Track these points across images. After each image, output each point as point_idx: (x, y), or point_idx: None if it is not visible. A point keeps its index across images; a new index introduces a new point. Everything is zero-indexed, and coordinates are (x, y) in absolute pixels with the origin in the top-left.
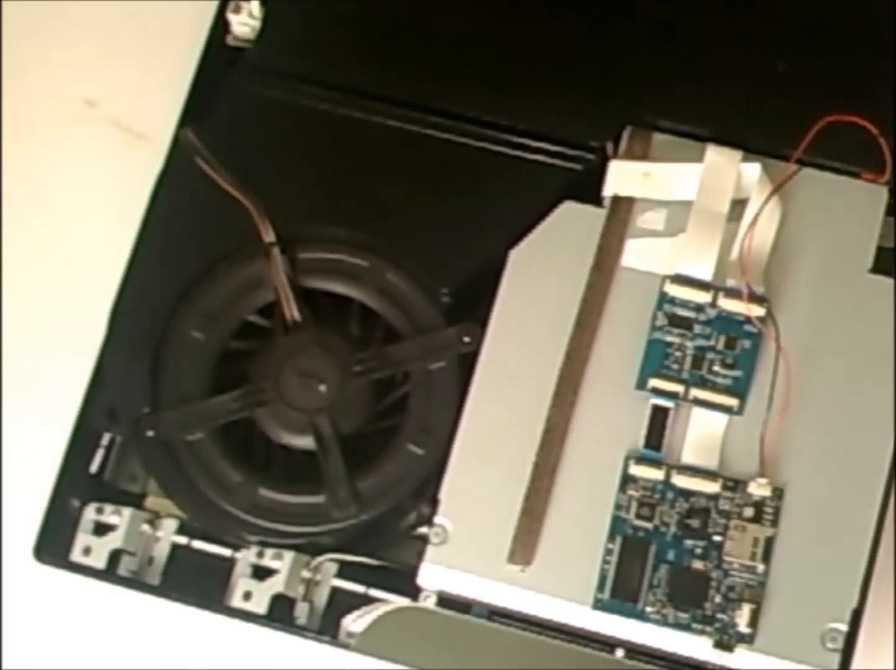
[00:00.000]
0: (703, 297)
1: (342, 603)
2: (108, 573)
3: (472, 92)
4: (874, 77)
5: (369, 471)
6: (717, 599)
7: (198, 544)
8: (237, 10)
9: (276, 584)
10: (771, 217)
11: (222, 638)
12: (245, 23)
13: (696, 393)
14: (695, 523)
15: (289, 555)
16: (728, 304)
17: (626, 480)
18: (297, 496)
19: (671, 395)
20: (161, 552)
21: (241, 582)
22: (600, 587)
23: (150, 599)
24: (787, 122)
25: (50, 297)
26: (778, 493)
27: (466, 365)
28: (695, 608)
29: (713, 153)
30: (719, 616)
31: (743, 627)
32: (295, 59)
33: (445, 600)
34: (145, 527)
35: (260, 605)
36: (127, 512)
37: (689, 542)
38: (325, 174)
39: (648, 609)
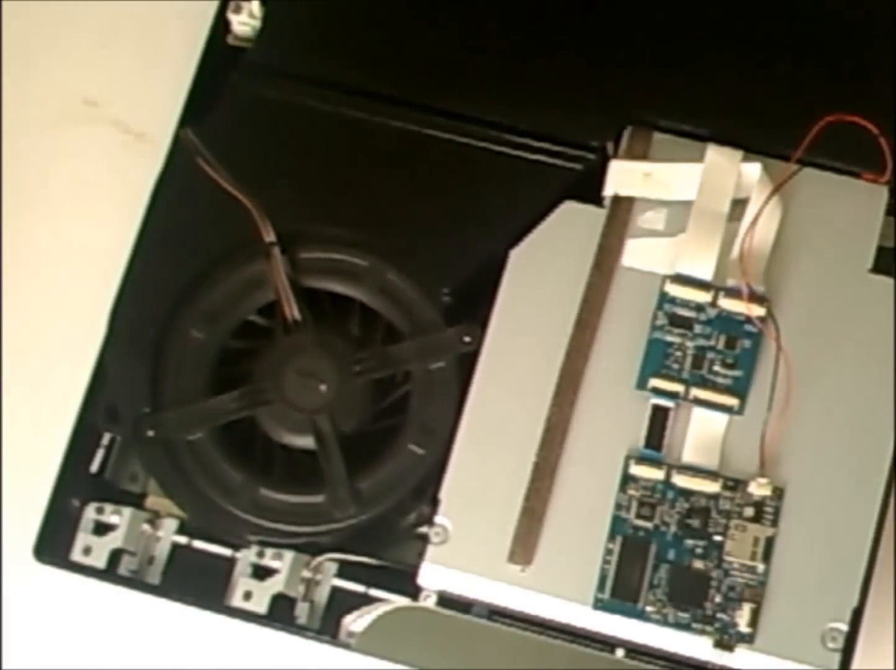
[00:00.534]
0: (703, 297)
1: (342, 603)
2: (109, 573)
3: (472, 92)
4: (874, 77)
5: (370, 470)
6: (718, 599)
7: (198, 544)
8: (237, 10)
9: (276, 584)
10: (771, 217)
11: (222, 638)
12: (245, 22)
13: (696, 392)
14: (695, 523)
15: (289, 555)
16: (728, 304)
17: (627, 480)
18: (298, 496)
19: (671, 395)
20: (161, 552)
21: (242, 582)
22: (600, 587)
23: (150, 599)
24: (788, 121)
25: (50, 297)
26: (778, 493)
27: (467, 365)
28: (695, 608)
29: (713, 153)
30: (719, 615)
31: (743, 627)
32: (295, 59)
33: (446, 600)
34: (145, 527)
35: (260, 605)
36: (127, 511)
37: (689, 542)
38: (325, 174)
39: (649, 608)
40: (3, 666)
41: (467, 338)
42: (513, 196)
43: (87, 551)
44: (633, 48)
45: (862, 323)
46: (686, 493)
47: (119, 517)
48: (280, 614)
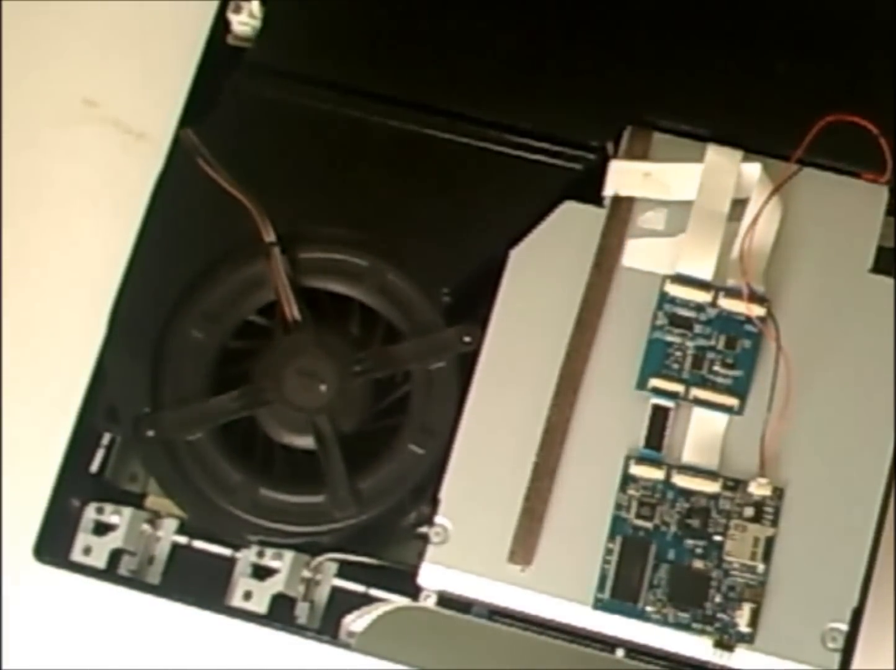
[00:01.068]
0: (703, 297)
1: (342, 603)
2: (109, 573)
3: (472, 92)
4: (874, 77)
5: (369, 470)
6: (718, 599)
7: (198, 544)
8: (237, 10)
9: (276, 584)
10: (771, 217)
11: (222, 638)
12: (245, 22)
13: (696, 392)
14: (695, 523)
15: (289, 555)
16: (728, 304)
17: (627, 480)
18: (298, 496)
19: (671, 395)
20: (161, 551)
21: (242, 582)
22: (600, 587)
23: (150, 599)
24: (788, 121)
25: (50, 297)
26: (778, 493)
27: (467, 365)
28: (695, 607)
29: (713, 153)
30: (720, 615)
31: (743, 627)
32: (295, 59)
33: (446, 600)
34: (145, 527)
35: (260, 605)
36: (127, 511)
37: (689, 542)
38: (325, 174)
39: (649, 608)
40: (3, 667)
41: (467, 338)
42: (513, 196)
43: (87, 551)
44: (633, 48)
45: (862, 323)
46: (686, 493)
47: (119, 517)
48: (280, 614)
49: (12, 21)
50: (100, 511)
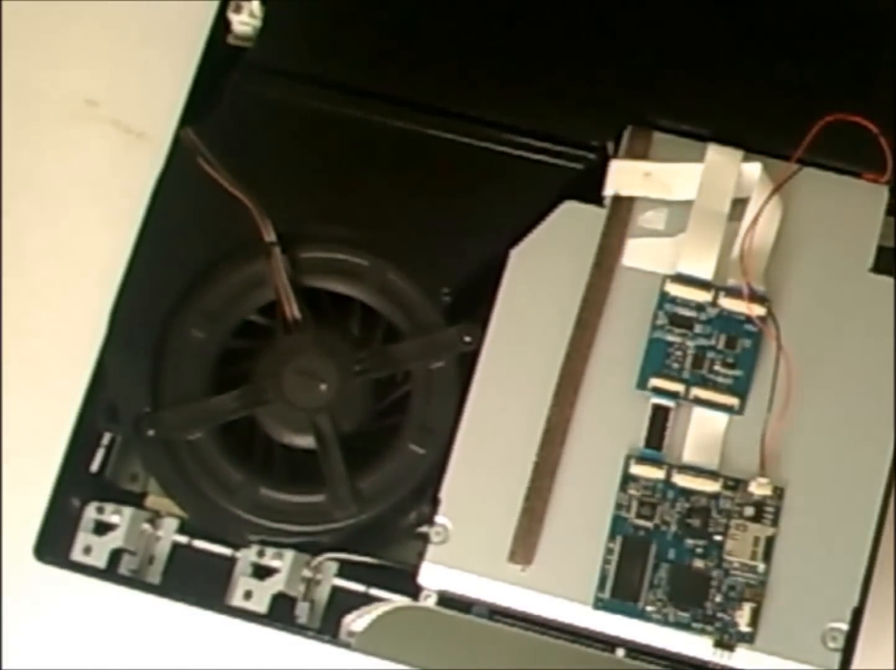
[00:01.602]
0: (703, 297)
1: (343, 603)
2: (109, 572)
3: (472, 91)
4: (874, 77)
5: (370, 470)
6: (718, 598)
7: (198, 543)
8: (238, 10)
9: (276, 583)
10: (772, 216)
11: (222, 637)
12: (246, 22)
13: (696, 392)
14: (695, 522)
15: (289, 554)
16: (729, 304)
17: (627, 479)
18: (298, 495)
19: (672, 395)
20: (162, 551)
21: (242, 582)
22: (601, 586)
23: (150, 599)
24: (788, 121)
25: (50, 297)
26: (778, 493)
27: (467, 364)
28: (695, 607)
29: (714, 152)
30: (720, 615)
31: (743, 626)
32: (296, 59)
33: (446, 599)
34: (146, 527)
35: (260, 604)
36: (127, 511)
37: (689, 542)
38: (326, 174)
39: (649, 608)
40: (3, 667)
41: (467, 338)
42: (513, 196)
43: (87, 551)
44: (633, 48)
45: (862, 323)
46: (686, 493)
47: (119, 516)
48: (280, 614)
49: (12, 21)
50: (100, 510)
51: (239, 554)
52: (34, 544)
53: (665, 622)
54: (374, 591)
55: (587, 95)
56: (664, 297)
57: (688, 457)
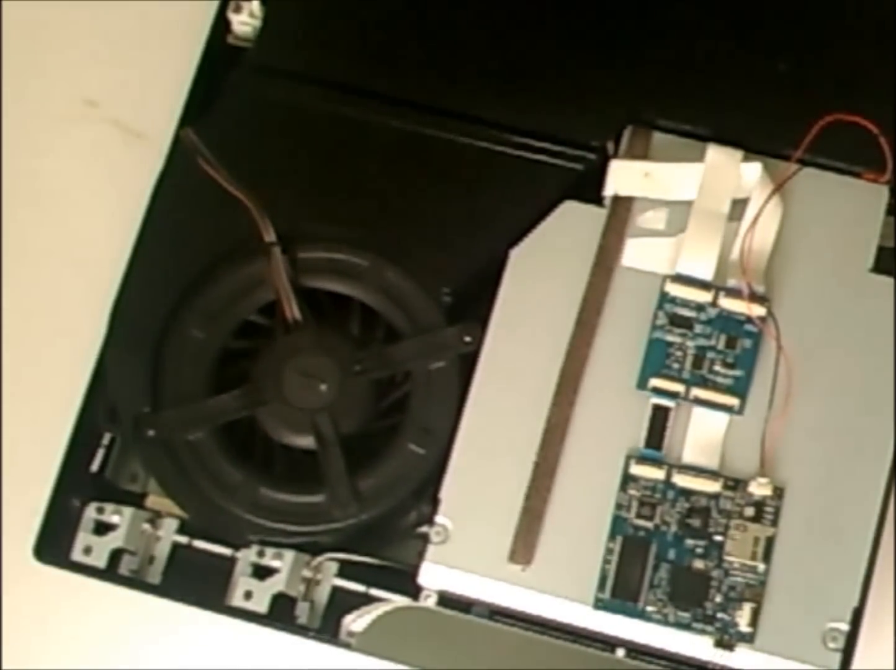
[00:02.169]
0: (703, 297)
1: (343, 603)
2: (109, 572)
3: (472, 91)
4: (874, 77)
5: (370, 470)
6: (718, 598)
7: (198, 543)
8: (238, 10)
9: (276, 583)
10: (772, 216)
11: (222, 638)
12: (246, 22)
13: (696, 392)
14: (695, 522)
15: (289, 555)
16: (729, 304)
17: (627, 479)
18: (298, 495)
19: (672, 395)
20: (162, 551)
21: (242, 582)
22: (601, 586)
23: (150, 599)
24: (788, 121)
25: (50, 297)
26: (778, 493)
27: (467, 364)
28: (695, 607)
29: (714, 153)
30: (720, 615)
31: (744, 626)
32: (296, 59)
33: (446, 599)
34: (146, 527)
35: (260, 604)
36: (127, 511)
37: (689, 542)
38: (326, 174)
39: (649, 608)
40: (3, 667)
41: (467, 338)
42: (513, 196)
43: (87, 551)
44: (633, 48)
45: (862, 323)
46: (686, 493)
47: (119, 517)
48: (280, 614)
49: (12, 21)
50: (100, 510)
51: (239, 554)
52: (34, 544)
53: (665, 622)
54: (374, 591)
55: (587, 95)
56: (664, 297)
57: (688, 457)
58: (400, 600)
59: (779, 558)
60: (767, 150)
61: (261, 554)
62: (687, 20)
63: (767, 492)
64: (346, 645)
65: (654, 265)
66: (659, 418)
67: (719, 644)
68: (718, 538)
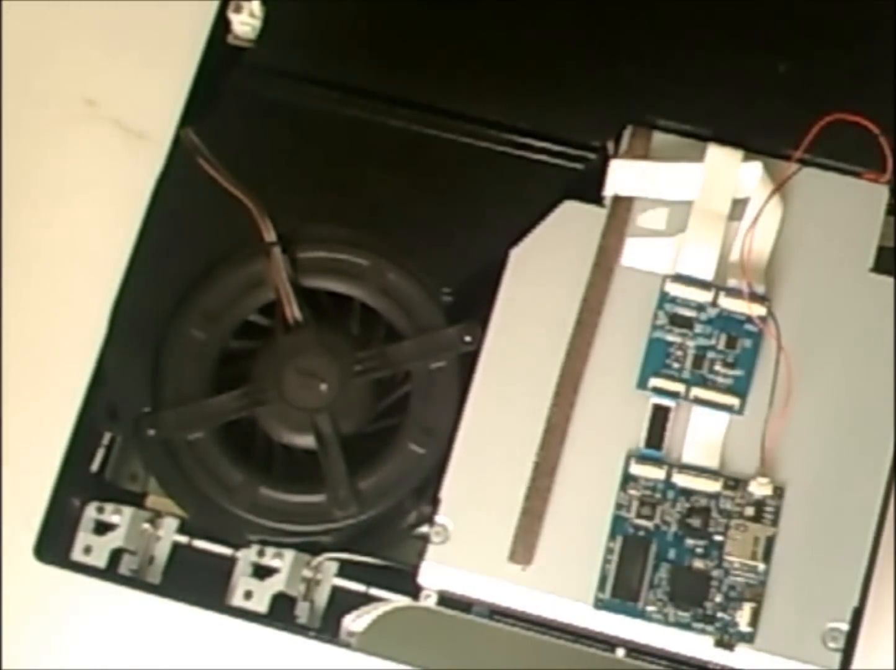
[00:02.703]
0: (703, 297)
1: (343, 603)
2: (109, 572)
3: (472, 91)
4: (874, 77)
5: (370, 470)
6: (718, 598)
7: (198, 543)
8: (238, 10)
9: (276, 583)
10: (772, 216)
11: (222, 637)
12: (246, 22)
13: (696, 392)
14: (696, 522)
15: (289, 554)
16: (729, 304)
17: (627, 479)
18: (298, 495)
19: (672, 394)
20: (162, 551)
21: (242, 582)
22: (601, 586)
23: (150, 598)
24: (788, 121)
25: (50, 297)
26: (779, 492)
27: (467, 364)
28: (696, 607)
29: (714, 152)
30: (720, 615)
31: (744, 626)
32: (296, 59)
33: (446, 599)
34: (146, 526)
35: (261, 604)
36: (128, 511)
37: (689, 541)
38: (326, 174)
39: (649, 608)
40: (3, 667)
41: (467, 338)
42: (513, 196)
43: (87, 550)
44: (633, 48)
45: (862, 323)
46: (687, 493)
47: (119, 516)
48: (280, 613)
49: (12, 21)
50: (100, 510)
51: (239, 554)
52: (34, 544)
53: (665, 622)
54: (374, 591)
55: (587, 95)
56: (664, 297)
57: (688, 456)
58: (400, 600)
59: (779, 558)
60: (767, 150)
61: (261, 554)
62: (687, 20)
63: (767, 491)
64: (346, 645)
65: (654, 265)
66: (659, 418)
67: (719, 644)
68: (718, 538)
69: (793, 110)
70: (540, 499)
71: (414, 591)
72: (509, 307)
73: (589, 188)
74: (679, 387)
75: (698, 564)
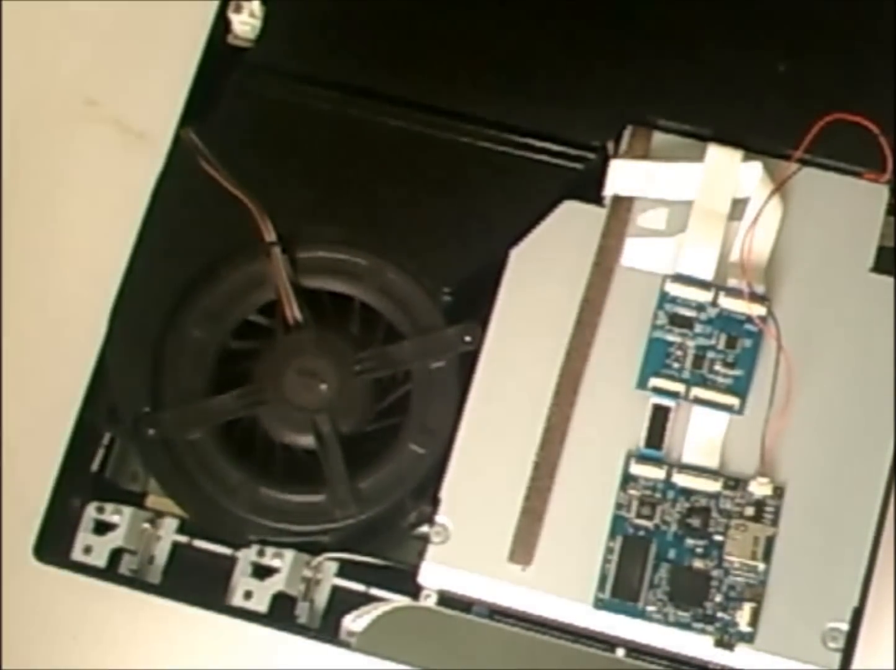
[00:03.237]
0: (703, 296)
1: (343, 602)
2: (109, 572)
3: (473, 91)
4: (874, 77)
5: (370, 470)
6: (718, 598)
7: (198, 543)
8: (238, 10)
9: (276, 583)
10: (772, 216)
11: (222, 637)
12: (246, 22)
13: (696, 392)
14: (695, 522)
15: (289, 554)
16: (729, 303)
17: (627, 479)
18: (298, 495)
19: (672, 394)
20: (162, 551)
21: (242, 581)
22: (601, 586)
23: (150, 598)
24: (788, 121)
25: (50, 297)
26: (778, 492)
27: (467, 364)
28: (696, 607)
29: (714, 152)
30: (720, 615)
31: (744, 626)
32: (296, 59)
33: (446, 599)
34: (146, 526)
35: (261, 604)
36: (128, 511)
37: (689, 541)
38: (326, 174)
39: (649, 608)
40: (3, 666)
41: (467, 338)
42: (513, 196)
43: (87, 550)
44: (633, 48)
45: (862, 322)
46: (686, 493)
47: (119, 516)
48: (280, 613)
49: (13, 21)
50: (100, 510)
51: (239, 554)
52: (34, 544)
53: (665, 622)
54: (375, 591)
55: (587, 95)
56: (664, 297)
57: (688, 456)
58: (400, 600)
59: (779, 558)
60: (767, 150)
61: (261, 553)
62: (687, 20)
63: (767, 491)
64: (346, 645)
65: (654, 265)
66: (659, 418)
67: (719, 643)
68: (718, 537)
69: (793, 110)
70: (540, 499)
71: (414, 591)
72: (509, 307)
73: (589, 188)
74: (679, 387)
75: (698, 564)
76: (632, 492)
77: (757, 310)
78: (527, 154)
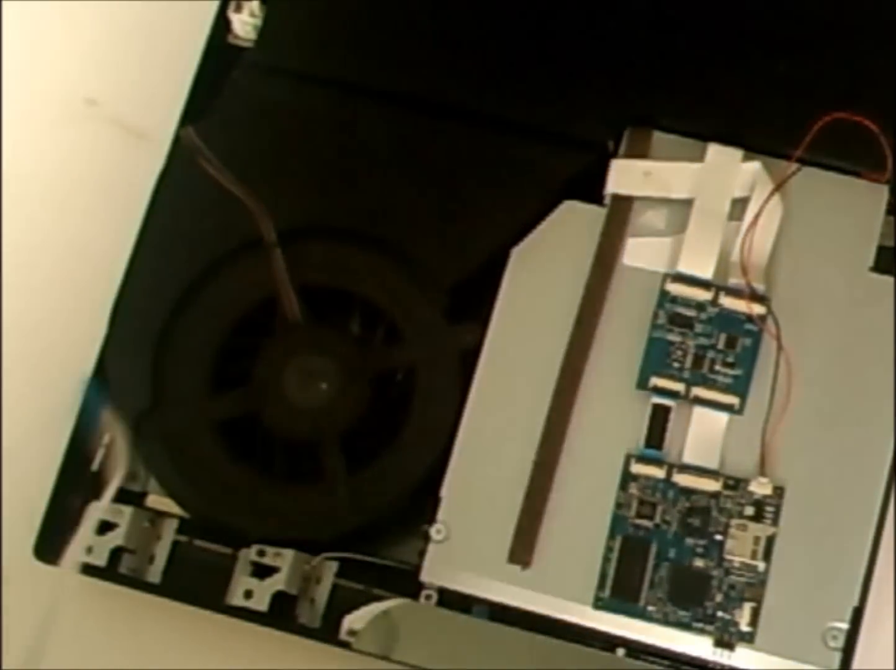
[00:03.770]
0: (703, 296)
1: (343, 602)
2: (109, 571)
3: (473, 90)
4: (874, 76)
5: (370, 469)
6: (718, 598)
7: (199, 542)
8: (238, 9)
9: (276, 583)
10: (772, 216)
11: (222, 637)
12: (246, 21)
13: (697, 391)
14: (696, 522)
15: (289, 554)
16: (729, 303)
17: (627, 479)
18: (298, 494)
19: (672, 394)
20: (162, 550)
21: (242, 581)
22: (601, 585)
23: (150, 598)
24: (788, 121)
25: (50, 296)
26: (779, 492)
27: (467, 364)
28: (696, 606)
29: (714, 152)
30: (720, 614)
31: (744, 626)
32: (296, 58)
33: (446, 599)
34: (146, 526)
35: (261, 603)
36: (128, 510)
37: (689, 541)
38: (326, 173)
39: (649, 607)
40: (3, 667)
41: (468, 338)
42: (514, 195)
43: (87, 550)
44: (634, 47)
45: (862, 322)
46: (687, 492)
47: (120, 516)
48: (280, 613)
49: (12, 21)
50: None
51: (239, 554)
52: (34, 544)
53: (665, 621)
54: (375, 590)
55: (588, 94)
56: (664, 297)
57: (688, 456)
58: (400, 600)
59: (779, 557)
60: (768, 149)
61: (261, 553)
62: (688, 20)
63: (767, 491)
64: (346, 645)
65: (654, 264)
66: (659, 417)
67: (719, 643)
68: (719, 537)
69: (793, 109)
70: (540, 499)
71: (414, 590)
72: (510, 306)
73: (589, 188)
74: (679, 387)
75: (698, 564)
76: (632, 491)
77: (757, 309)
78: (527, 153)
